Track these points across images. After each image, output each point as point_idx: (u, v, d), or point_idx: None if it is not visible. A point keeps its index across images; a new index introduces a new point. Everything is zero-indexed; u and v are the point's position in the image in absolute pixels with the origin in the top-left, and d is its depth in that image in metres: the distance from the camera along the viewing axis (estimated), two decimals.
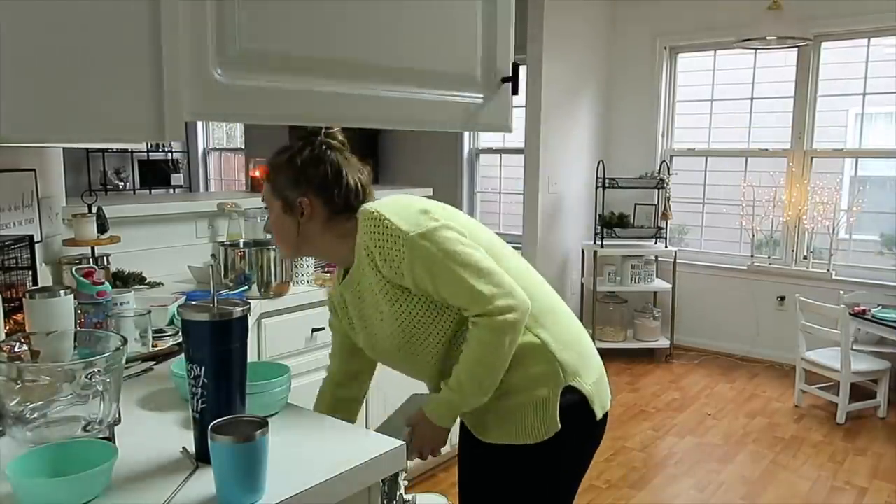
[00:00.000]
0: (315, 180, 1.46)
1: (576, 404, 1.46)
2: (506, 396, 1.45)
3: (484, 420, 1.49)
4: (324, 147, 1.47)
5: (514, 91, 1.44)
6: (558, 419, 1.43)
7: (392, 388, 2.90)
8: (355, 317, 1.55)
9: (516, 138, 5.71)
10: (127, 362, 1.39)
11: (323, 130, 1.48)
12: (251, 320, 2.19)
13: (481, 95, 1.38)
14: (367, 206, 1.45)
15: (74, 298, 1.59)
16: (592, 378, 1.51)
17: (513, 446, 1.46)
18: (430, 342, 1.47)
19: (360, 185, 1.49)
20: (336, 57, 1.10)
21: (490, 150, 6.27)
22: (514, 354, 1.41)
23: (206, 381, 1.10)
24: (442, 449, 1.53)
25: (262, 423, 1.01)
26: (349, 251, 1.48)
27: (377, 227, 1.39)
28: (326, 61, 1.09)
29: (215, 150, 8.79)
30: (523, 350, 1.42)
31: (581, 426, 1.49)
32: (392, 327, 1.46)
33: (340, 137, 1.50)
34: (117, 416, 1.18)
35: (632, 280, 4.99)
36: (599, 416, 1.50)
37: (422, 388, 1.64)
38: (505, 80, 1.41)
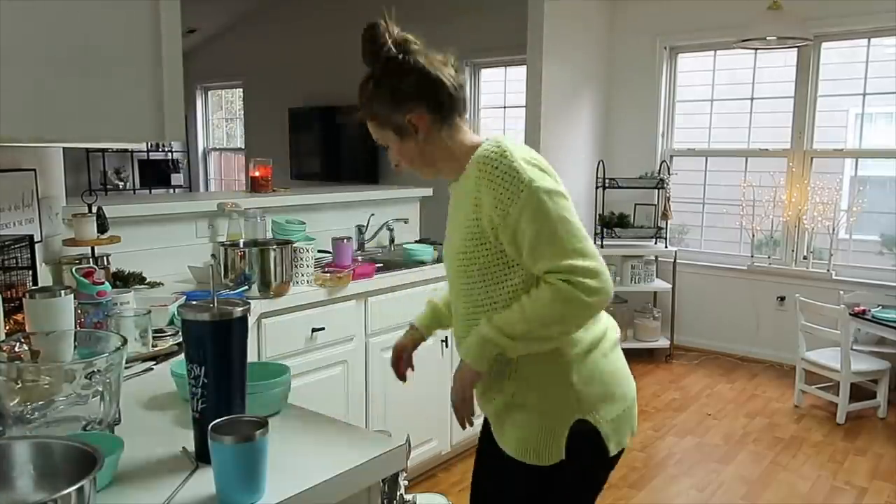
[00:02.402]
0: (410, 92, 1.39)
1: (586, 437, 1.42)
2: (520, 410, 1.44)
3: (502, 422, 1.48)
4: (400, 56, 1.39)
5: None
6: (563, 450, 1.41)
7: (394, 388, 2.90)
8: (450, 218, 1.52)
9: (516, 138, 5.71)
10: (127, 362, 1.39)
11: (390, 38, 1.39)
12: (251, 320, 2.19)
13: None
14: (497, 138, 1.41)
15: (74, 298, 1.59)
16: (614, 413, 1.45)
17: (518, 462, 1.45)
18: (483, 289, 1.44)
19: (454, 79, 1.42)
20: None
21: None
22: (537, 374, 1.41)
23: (206, 381, 1.10)
24: (470, 416, 1.48)
25: (262, 423, 1.01)
26: (461, 157, 1.44)
27: (500, 164, 1.35)
28: None
29: (215, 150, 8.79)
30: (547, 372, 1.41)
31: (590, 459, 1.46)
32: (457, 249, 1.45)
33: (411, 38, 1.41)
34: (117, 416, 1.18)
35: (632, 280, 4.99)
36: (613, 452, 1.46)
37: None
38: None
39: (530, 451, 1.43)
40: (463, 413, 1.47)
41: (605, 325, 1.50)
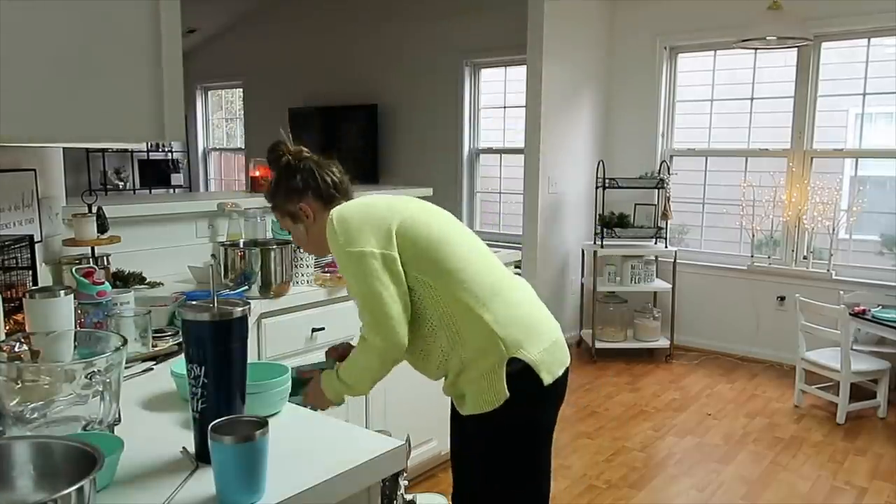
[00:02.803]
0: (299, 187, 1.76)
1: (521, 372, 1.61)
2: (464, 371, 1.65)
3: (455, 394, 1.71)
4: (293, 161, 1.78)
5: None
6: (506, 387, 1.60)
7: (393, 387, 2.90)
8: None
9: (516, 138, 5.71)
10: (127, 362, 1.39)
11: (287, 152, 1.79)
12: (251, 320, 2.19)
13: None
14: (337, 208, 1.71)
15: (74, 298, 1.59)
16: (540, 347, 1.65)
17: (478, 416, 1.64)
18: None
19: (334, 177, 1.79)
20: None
21: (490, 151, 6.27)
22: (461, 333, 1.63)
23: (206, 381, 1.10)
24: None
25: (262, 423, 1.01)
26: None
27: (329, 230, 1.67)
28: None
29: (215, 150, 8.79)
30: (469, 329, 1.62)
31: (530, 392, 1.64)
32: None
33: (305, 151, 1.81)
34: (117, 416, 1.18)
35: (632, 280, 4.99)
36: (548, 381, 1.64)
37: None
38: None
39: (481, 401, 1.62)
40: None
41: (493, 277, 1.71)
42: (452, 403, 1.78)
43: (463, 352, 1.63)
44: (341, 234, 1.63)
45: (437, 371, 1.72)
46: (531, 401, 1.66)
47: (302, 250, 1.96)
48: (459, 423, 1.75)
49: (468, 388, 1.65)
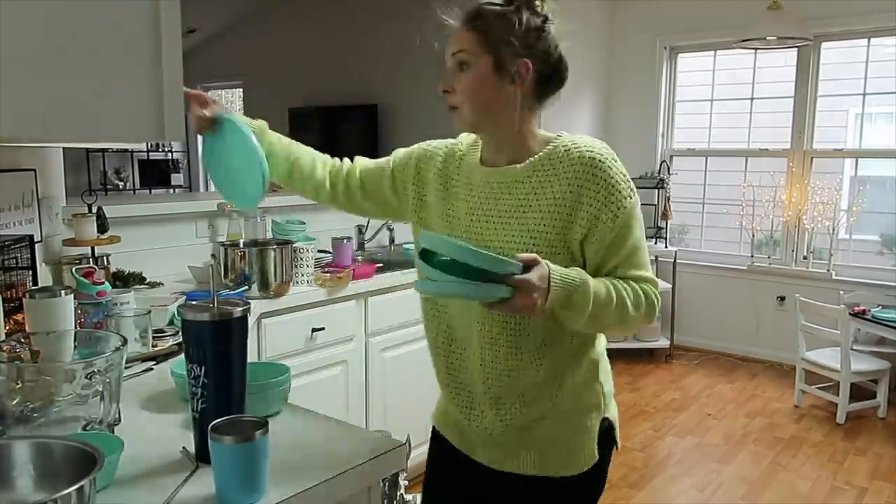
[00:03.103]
0: (540, 49, 1.27)
1: (606, 433, 1.38)
2: (548, 419, 1.34)
3: (522, 440, 1.36)
4: (547, 19, 1.29)
5: None
6: (595, 452, 1.35)
7: (394, 388, 2.90)
8: (464, 213, 1.34)
9: None
10: (127, 362, 1.39)
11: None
12: (251, 320, 2.19)
13: None
14: (590, 138, 1.31)
15: (74, 298, 1.59)
16: (615, 405, 1.44)
17: (545, 478, 1.34)
18: None
19: (566, 70, 1.33)
20: None
21: None
22: (573, 376, 1.33)
23: (206, 381, 1.10)
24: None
25: (262, 423, 1.01)
26: (530, 140, 1.32)
27: (609, 177, 1.24)
28: None
29: None
30: (581, 372, 1.34)
31: (608, 456, 1.40)
32: (516, 247, 1.26)
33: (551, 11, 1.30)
34: (117, 416, 1.18)
35: None
36: (619, 445, 1.44)
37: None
38: None
39: (559, 462, 1.33)
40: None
41: None
42: (463, 456, 1.45)
43: (564, 390, 1.32)
44: (628, 181, 1.27)
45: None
46: (605, 465, 1.39)
47: (447, 93, 1.31)
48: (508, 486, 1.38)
49: (541, 445, 1.34)
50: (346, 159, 1.58)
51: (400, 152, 1.50)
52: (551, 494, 1.35)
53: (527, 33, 1.26)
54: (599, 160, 1.26)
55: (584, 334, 1.32)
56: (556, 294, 1.16)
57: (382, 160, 1.52)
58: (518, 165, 1.31)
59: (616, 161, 1.28)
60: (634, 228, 1.26)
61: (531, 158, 1.30)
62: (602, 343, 1.40)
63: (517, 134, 1.31)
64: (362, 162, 1.55)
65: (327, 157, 1.57)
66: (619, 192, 1.24)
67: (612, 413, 1.41)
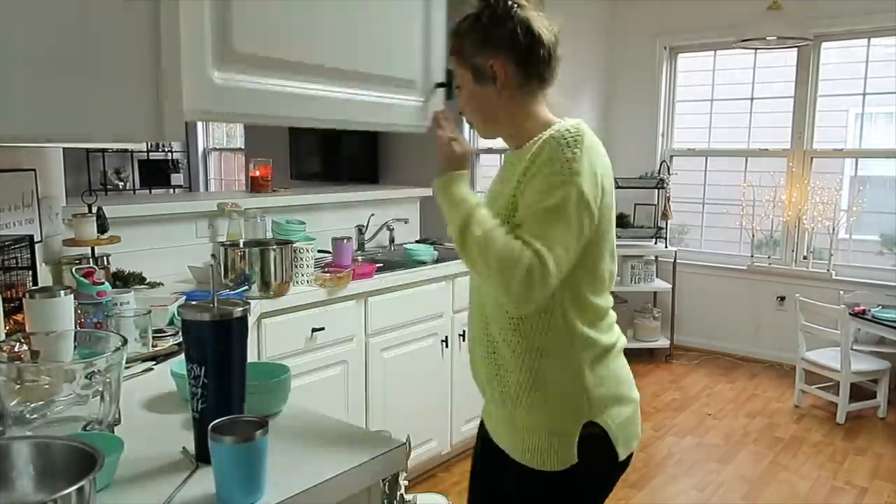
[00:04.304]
0: (504, 39, 1.36)
1: (596, 441, 1.39)
2: (529, 410, 1.39)
3: (508, 420, 1.44)
4: (509, 3, 1.36)
5: (449, 96, 1.46)
6: (574, 455, 1.37)
7: (393, 388, 2.90)
8: (501, 181, 1.46)
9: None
10: (127, 362, 1.39)
11: None
12: (251, 320, 2.19)
13: (422, 99, 1.41)
14: (578, 122, 1.40)
15: (74, 298, 1.59)
16: (623, 416, 1.42)
17: (525, 467, 1.41)
18: None
19: (551, 45, 1.39)
20: (307, 62, 1.15)
21: (490, 151, 6.27)
22: (552, 374, 1.37)
23: (206, 381, 1.10)
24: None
25: (262, 423, 1.01)
26: (528, 123, 1.42)
27: (554, 150, 1.31)
28: (301, 65, 1.14)
29: (215, 150, 8.79)
30: (562, 373, 1.37)
31: (600, 463, 1.42)
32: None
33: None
34: (117, 416, 1.18)
35: (632, 280, 4.99)
36: (623, 457, 1.42)
37: None
38: (439, 85, 1.44)
39: (537, 457, 1.39)
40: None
41: (618, 333, 1.49)
42: (484, 433, 1.54)
43: (540, 384, 1.37)
44: (575, 146, 1.31)
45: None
46: (597, 473, 1.44)
47: (462, 115, 1.48)
48: (496, 453, 1.48)
49: (522, 435, 1.41)
50: None
51: None
52: (536, 484, 1.41)
53: (490, 31, 1.36)
54: (555, 138, 1.34)
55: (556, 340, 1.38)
56: (442, 185, 1.38)
57: None
58: (518, 149, 1.42)
59: (574, 145, 1.32)
60: (556, 199, 1.28)
61: (528, 143, 1.39)
62: (594, 352, 1.40)
63: (515, 122, 1.43)
64: None
65: None
66: (555, 165, 1.30)
67: (606, 420, 1.39)
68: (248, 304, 1.17)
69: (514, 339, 1.38)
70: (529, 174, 1.33)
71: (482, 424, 1.57)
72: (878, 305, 4.11)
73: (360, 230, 3.53)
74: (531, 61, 1.38)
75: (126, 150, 7.81)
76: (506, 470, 1.46)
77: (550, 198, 1.28)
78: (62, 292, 1.51)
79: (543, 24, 1.39)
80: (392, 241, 3.65)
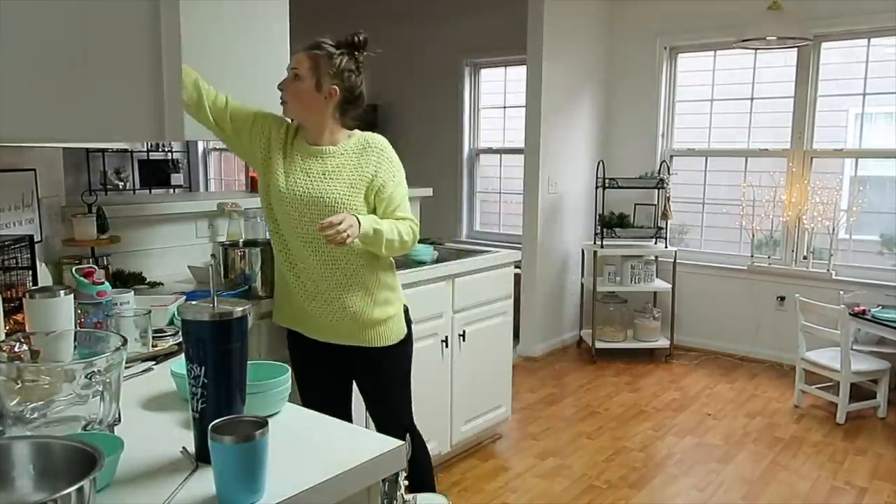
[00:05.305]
0: (349, 83, 2.01)
1: (406, 315, 2.25)
2: (383, 306, 2.14)
3: (371, 321, 2.12)
4: (361, 63, 2.04)
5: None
6: (405, 326, 2.23)
7: None
8: (300, 171, 2.04)
9: (516, 138, 5.71)
10: (127, 362, 1.39)
11: (362, 44, 2.03)
12: (251, 320, 2.19)
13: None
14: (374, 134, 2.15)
15: (74, 298, 1.59)
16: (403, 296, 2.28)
17: (386, 347, 2.16)
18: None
19: (364, 98, 2.08)
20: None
21: (490, 151, 6.27)
22: (387, 289, 2.15)
23: (206, 381, 1.10)
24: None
25: (262, 423, 1.01)
26: (337, 134, 2.08)
27: (392, 155, 2.14)
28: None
29: (215, 150, 8.78)
30: (392, 281, 2.19)
31: (410, 332, 2.26)
32: (338, 198, 2.02)
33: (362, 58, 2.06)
34: (117, 416, 1.18)
35: (632, 280, 4.99)
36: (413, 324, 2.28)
37: None
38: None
39: (393, 333, 2.16)
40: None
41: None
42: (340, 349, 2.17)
43: (384, 288, 2.15)
44: (397, 159, 2.15)
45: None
46: (410, 338, 2.27)
47: (283, 102, 2.06)
48: (371, 355, 2.17)
49: (383, 324, 2.14)
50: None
51: (262, 111, 2.10)
52: (390, 357, 2.22)
53: (341, 72, 2.00)
54: (386, 149, 2.13)
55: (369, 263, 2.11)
56: (364, 229, 1.95)
57: (250, 106, 2.09)
58: (332, 147, 2.08)
59: (392, 149, 2.15)
60: (402, 188, 2.13)
61: (342, 143, 2.09)
62: (392, 266, 2.23)
63: (326, 128, 2.07)
64: (231, 97, 2.07)
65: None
66: (395, 168, 2.12)
67: (405, 303, 2.26)
68: (248, 304, 1.17)
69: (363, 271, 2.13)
70: (382, 175, 2.09)
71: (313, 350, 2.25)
72: (878, 305, 4.11)
73: None
74: (353, 102, 2.06)
75: (126, 150, 7.81)
76: (378, 356, 2.19)
77: (401, 188, 2.13)
78: (62, 292, 1.51)
79: (366, 84, 2.08)
80: None
